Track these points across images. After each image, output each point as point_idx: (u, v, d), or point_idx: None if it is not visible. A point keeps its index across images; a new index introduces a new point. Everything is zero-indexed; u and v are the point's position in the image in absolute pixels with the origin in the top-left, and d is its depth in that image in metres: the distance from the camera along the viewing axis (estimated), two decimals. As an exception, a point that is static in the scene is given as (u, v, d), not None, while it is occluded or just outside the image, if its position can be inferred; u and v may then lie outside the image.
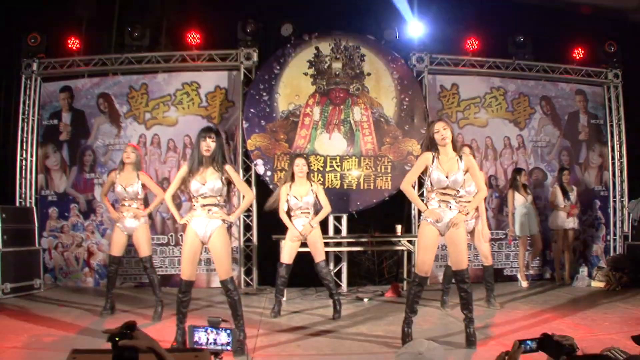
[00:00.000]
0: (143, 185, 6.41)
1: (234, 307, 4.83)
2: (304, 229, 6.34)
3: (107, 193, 6.73)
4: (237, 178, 4.97)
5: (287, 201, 6.42)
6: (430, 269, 5.00)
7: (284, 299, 7.60)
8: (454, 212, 4.93)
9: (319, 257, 6.41)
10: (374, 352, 4.82)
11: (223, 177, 4.80)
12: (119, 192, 6.39)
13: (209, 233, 4.80)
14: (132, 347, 1.83)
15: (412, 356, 1.89)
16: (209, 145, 4.76)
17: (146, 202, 6.72)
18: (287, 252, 6.46)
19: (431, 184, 4.98)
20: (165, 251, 8.83)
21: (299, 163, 6.45)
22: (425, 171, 5.04)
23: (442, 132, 4.90)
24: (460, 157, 5.02)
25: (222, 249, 4.82)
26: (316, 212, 6.52)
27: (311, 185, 6.47)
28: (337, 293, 6.49)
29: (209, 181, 4.76)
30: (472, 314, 4.92)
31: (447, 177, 4.87)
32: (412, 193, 5.25)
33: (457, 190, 5.01)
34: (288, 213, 6.50)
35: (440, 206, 4.94)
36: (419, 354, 1.88)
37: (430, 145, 5.01)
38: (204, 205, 4.80)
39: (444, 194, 4.94)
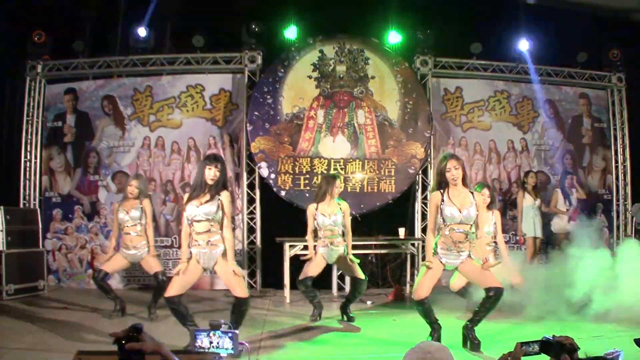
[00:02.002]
0: (143, 211, 6.41)
1: (239, 318, 4.81)
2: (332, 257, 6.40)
3: (116, 229, 6.59)
4: (228, 208, 4.86)
5: (315, 219, 6.40)
6: (426, 294, 4.89)
7: (288, 301, 7.63)
8: (463, 257, 4.88)
9: (359, 275, 6.36)
10: (377, 355, 4.83)
11: (218, 202, 4.78)
12: (121, 218, 6.38)
13: (212, 263, 4.81)
14: (139, 349, 1.84)
15: (421, 355, 1.90)
16: (215, 174, 4.75)
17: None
18: (313, 269, 6.35)
19: (444, 221, 4.86)
20: (168, 253, 8.84)
21: (337, 184, 6.53)
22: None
23: (454, 172, 4.84)
24: (472, 192, 4.98)
25: (228, 275, 4.81)
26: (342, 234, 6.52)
27: (339, 204, 6.48)
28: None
29: (203, 204, 4.74)
30: (482, 319, 4.89)
31: (460, 210, 4.81)
32: (429, 241, 5.06)
33: (471, 226, 4.87)
34: (315, 233, 6.47)
35: (450, 249, 4.88)
36: (427, 353, 1.90)
37: (441, 179, 4.96)
38: (198, 233, 4.77)
39: (457, 231, 4.85)
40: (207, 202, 4.74)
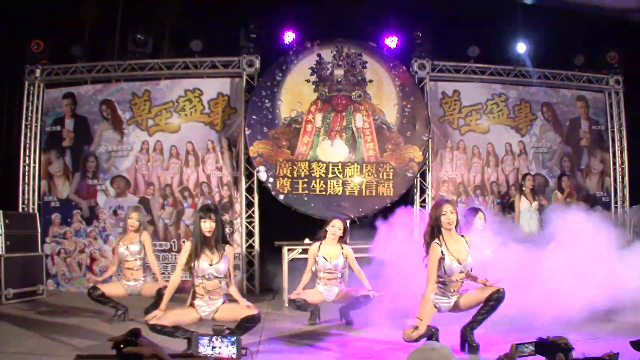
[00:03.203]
0: (142, 244, 6.39)
1: (244, 331, 4.78)
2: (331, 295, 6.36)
3: (116, 262, 6.56)
4: (232, 263, 4.92)
5: (316, 261, 6.33)
6: (419, 334, 4.74)
7: (286, 305, 7.61)
8: (455, 296, 4.92)
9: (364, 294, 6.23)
10: (378, 358, 4.83)
11: (226, 259, 4.80)
12: (121, 252, 6.37)
13: (212, 314, 4.79)
14: (137, 353, 1.85)
15: (425, 354, 1.93)
16: (210, 226, 4.73)
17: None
18: (309, 297, 6.26)
19: (445, 273, 4.85)
20: (167, 257, 8.85)
21: (336, 224, 6.38)
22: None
23: (450, 216, 4.85)
24: (464, 237, 5.00)
25: (233, 310, 4.81)
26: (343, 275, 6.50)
27: (342, 248, 6.42)
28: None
29: (214, 263, 4.73)
30: (481, 322, 4.89)
31: (459, 262, 4.84)
32: (426, 298, 4.88)
33: (468, 271, 4.95)
34: (314, 274, 6.40)
35: (445, 294, 4.91)
36: (432, 350, 1.93)
37: (435, 225, 4.94)
38: (208, 291, 4.76)
39: (455, 280, 4.89)
40: (217, 263, 4.73)
